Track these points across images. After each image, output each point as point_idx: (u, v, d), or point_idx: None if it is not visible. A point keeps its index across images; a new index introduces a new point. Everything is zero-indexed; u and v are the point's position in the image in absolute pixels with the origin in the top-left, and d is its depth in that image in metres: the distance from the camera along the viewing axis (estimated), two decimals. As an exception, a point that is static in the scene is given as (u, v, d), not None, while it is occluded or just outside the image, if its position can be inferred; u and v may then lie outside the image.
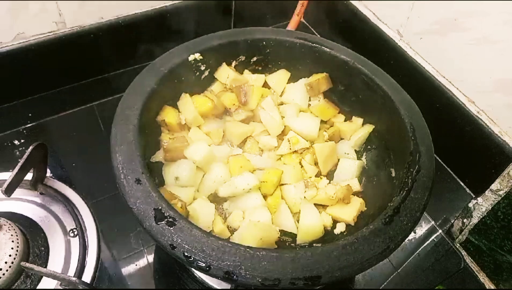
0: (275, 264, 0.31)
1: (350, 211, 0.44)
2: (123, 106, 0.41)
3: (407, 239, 0.36)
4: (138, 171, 0.36)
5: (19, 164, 0.43)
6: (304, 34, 0.52)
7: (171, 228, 0.32)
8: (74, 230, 0.45)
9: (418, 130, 0.42)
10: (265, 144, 0.49)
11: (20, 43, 0.54)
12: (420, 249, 0.51)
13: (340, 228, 0.44)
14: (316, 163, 0.49)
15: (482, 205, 0.49)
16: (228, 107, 0.50)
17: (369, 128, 0.49)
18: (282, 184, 0.46)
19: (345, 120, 0.52)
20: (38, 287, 0.41)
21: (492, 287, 0.49)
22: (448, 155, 0.56)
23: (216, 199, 0.45)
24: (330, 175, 0.49)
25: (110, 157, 0.37)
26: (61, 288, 0.41)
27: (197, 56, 0.47)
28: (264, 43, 0.51)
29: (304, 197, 0.45)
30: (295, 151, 0.49)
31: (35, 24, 0.54)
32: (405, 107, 0.43)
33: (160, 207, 0.33)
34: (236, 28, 0.52)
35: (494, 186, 0.48)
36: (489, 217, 0.48)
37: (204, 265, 0.31)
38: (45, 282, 0.42)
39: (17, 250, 0.40)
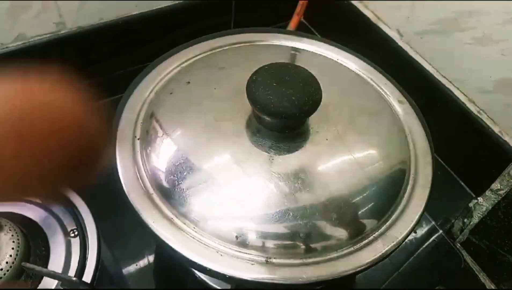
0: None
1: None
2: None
3: (407, 239, 0.36)
4: (138, 171, 0.36)
5: (20, 165, 0.43)
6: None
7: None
8: (74, 230, 0.45)
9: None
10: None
11: (20, 44, 0.55)
12: (420, 249, 0.51)
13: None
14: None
15: (482, 205, 0.49)
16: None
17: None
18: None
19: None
20: (38, 287, 0.41)
21: (493, 287, 0.49)
22: (448, 155, 0.56)
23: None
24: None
25: (110, 157, 0.37)
26: (62, 288, 0.41)
27: None
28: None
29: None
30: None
31: (35, 25, 0.54)
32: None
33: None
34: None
35: (494, 185, 0.48)
36: (490, 217, 0.48)
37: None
38: (46, 282, 0.42)
39: (18, 251, 0.40)
